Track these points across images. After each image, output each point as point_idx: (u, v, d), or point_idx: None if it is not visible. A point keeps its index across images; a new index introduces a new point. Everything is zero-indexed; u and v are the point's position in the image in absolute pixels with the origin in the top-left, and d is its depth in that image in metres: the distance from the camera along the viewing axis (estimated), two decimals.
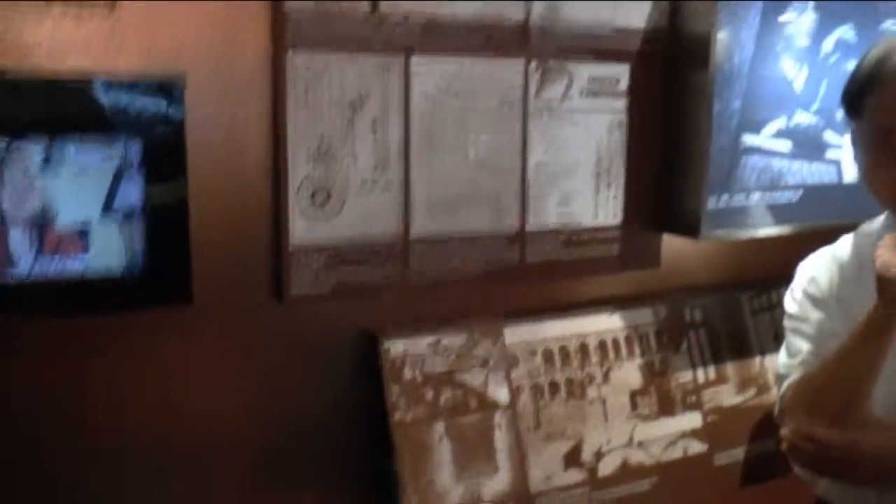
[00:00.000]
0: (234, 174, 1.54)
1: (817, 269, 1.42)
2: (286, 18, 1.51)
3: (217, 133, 1.51)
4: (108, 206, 1.43)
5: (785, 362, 1.41)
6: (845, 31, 1.97)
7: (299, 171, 1.56)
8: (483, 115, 1.70)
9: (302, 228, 1.57)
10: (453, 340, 1.72)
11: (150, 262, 1.46)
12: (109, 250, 1.43)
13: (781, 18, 1.88)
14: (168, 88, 1.44)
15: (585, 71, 1.79)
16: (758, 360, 2.09)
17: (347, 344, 1.67)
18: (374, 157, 1.61)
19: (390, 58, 1.60)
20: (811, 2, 1.92)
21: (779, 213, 1.95)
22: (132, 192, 1.44)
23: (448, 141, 1.68)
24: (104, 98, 1.40)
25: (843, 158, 2.00)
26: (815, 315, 1.38)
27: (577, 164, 1.82)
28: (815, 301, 1.40)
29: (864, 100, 1.27)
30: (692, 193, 1.86)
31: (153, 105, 1.44)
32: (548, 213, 1.79)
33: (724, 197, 1.87)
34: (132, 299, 1.45)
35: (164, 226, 1.46)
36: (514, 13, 1.70)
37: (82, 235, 1.41)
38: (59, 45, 1.36)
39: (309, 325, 1.63)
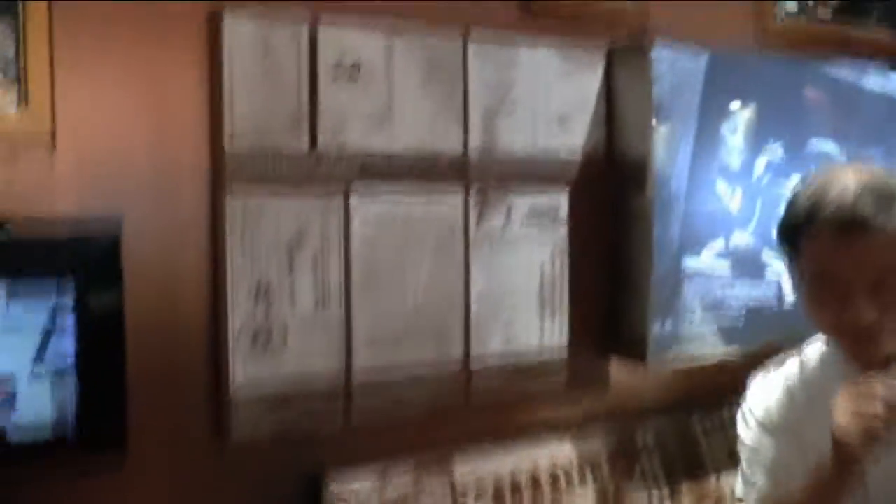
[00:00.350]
0: (173, 318, 1.52)
1: (768, 396, 1.41)
2: (224, 158, 1.52)
3: (155, 275, 1.49)
4: (38, 358, 1.39)
5: (742, 491, 1.39)
6: (774, 151, 2.04)
7: (239, 312, 1.54)
8: (424, 248, 1.71)
9: (242, 371, 1.54)
10: (401, 479, 1.67)
11: (83, 415, 1.40)
12: (38, 407, 1.38)
13: (713, 141, 1.94)
14: (104, 231, 1.42)
15: (525, 200, 1.82)
16: (713, 478, 2.07)
17: (292, 488, 1.61)
18: (315, 295, 1.60)
19: (329, 196, 1.62)
20: (740, 122, 1.99)
21: (724, 335, 1.97)
22: (65, 343, 1.40)
23: (389, 276, 1.68)
24: (37, 241, 1.38)
25: (783, 278, 2.03)
26: (769, 445, 1.37)
27: (521, 292, 1.82)
28: (767, 430, 1.38)
29: (800, 241, 1.27)
30: (637, 318, 1.87)
31: (89, 248, 1.41)
32: (493, 343, 1.79)
33: (669, 321, 1.88)
34: (62, 459, 1.39)
35: (99, 377, 1.42)
36: (452, 146, 1.73)
37: (8, 392, 1.36)
38: None
39: (251, 470, 1.58)
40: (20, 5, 1.37)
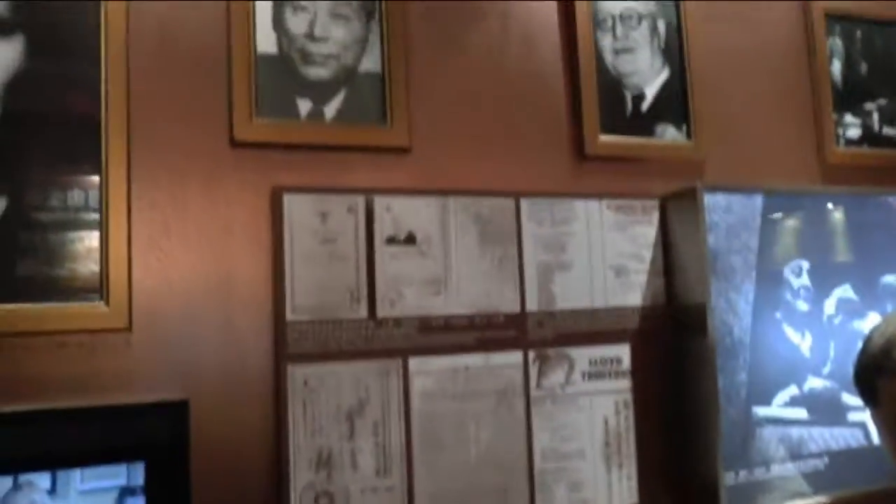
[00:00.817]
0: (238, 488, 1.55)
1: None
2: (286, 330, 1.58)
3: (220, 449, 1.54)
4: None
5: None
6: (844, 291, 1.99)
7: (301, 479, 1.57)
8: (484, 406, 1.71)
9: None
10: None
11: None
12: None
13: (777, 284, 1.91)
14: (174, 412, 1.49)
15: (586, 354, 1.82)
16: None
17: None
18: (376, 461, 1.62)
19: (388, 360, 1.65)
20: (805, 263, 1.95)
21: (807, 481, 1.87)
22: None
23: (450, 436, 1.68)
24: (111, 426, 1.45)
25: (868, 420, 1.94)
26: None
27: (586, 447, 1.79)
28: None
29: (877, 386, 1.23)
30: (708, 469, 1.80)
31: (158, 432, 1.48)
32: (559, 501, 1.75)
33: (743, 472, 1.81)
34: None
35: None
36: (509, 305, 1.76)
37: None
38: (72, 378, 1.44)
39: None
40: (103, 201, 1.51)
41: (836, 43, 2.31)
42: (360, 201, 1.67)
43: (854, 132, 2.30)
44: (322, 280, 1.62)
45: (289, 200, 1.63)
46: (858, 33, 2.35)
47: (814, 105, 2.25)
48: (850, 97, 2.30)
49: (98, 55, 1.54)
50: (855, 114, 2.31)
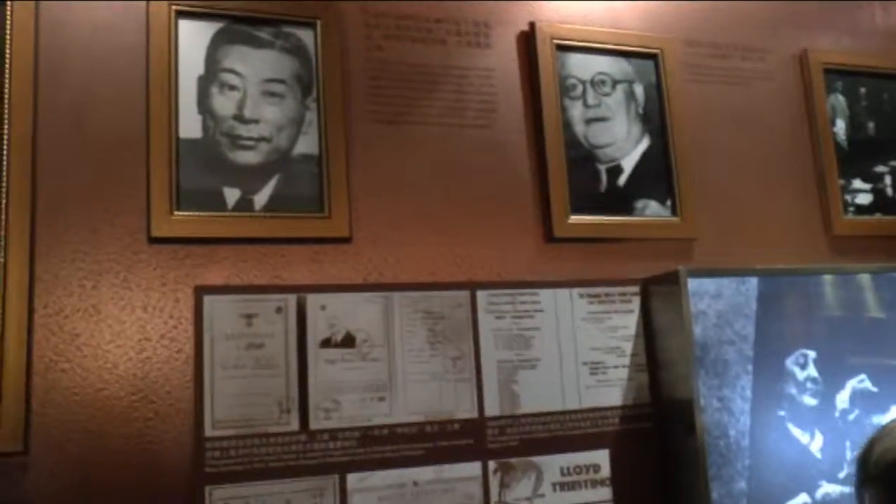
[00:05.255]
0: None
1: None
2: (205, 447, 1.40)
3: None
4: None
5: None
6: (860, 382, 1.75)
7: None
8: None
9: None
10: None
11: None
12: None
13: (778, 377, 1.68)
14: None
15: (557, 462, 1.60)
16: None
17: None
18: None
19: (323, 479, 1.45)
20: (811, 352, 1.72)
21: None
22: None
23: None
24: None
25: None
26: None
27: None
28: None
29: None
30: None
31: None
32: None
33: None
34: None
35: None
36: (465, 411, 1.56)
37: None
38: None
39: None
40: None
41: (839, 100, 2.11)
42: (290, 300, 1.50)
43: (864, 199, 2.07)
44: (247, 390, 1.44)
45: (210, 302, 1.46)
46: (863, 90, 2.14)
47: (816, 170, 2.04)
48: (857, 160, 2.08)
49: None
50: (864, 178, 2.08)
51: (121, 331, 1.45)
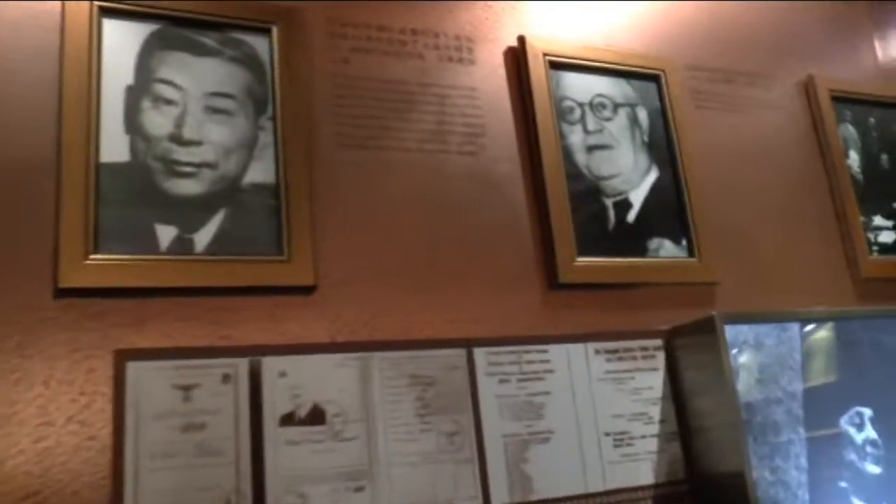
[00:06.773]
0: None
1: None
2: None
3: None
4: None
5: None
6: None
7: None
8: None
9: None
10: None
11: None
12: None
13: (835, 441, 1.41)
14: None
15: None
16: None
17: None
18: None
19: None
20: (866, 410, 1.45)
21: None
22: None
23: None
24: None
25: None
26: None
27: None
28: None
29: None
30: None
31: None
32: None
33: None
34: None
35: None
36: (466, 499, 1.23)
37: None
38: None
39: None
40: None
41: (849, 130, 1.91)
42: (241, 366, 1.16)
43: (888, 237, 1.85)
44: (184, 485, 1.10)
45: (136, 371, 1.12)
46: (872, 120, 1.95)
47: (835, 206, 1.82)
48: (875, 195, 1.88)
49: None
50: (885, 215, 1.87)
51: (11, 414, 1.08)
